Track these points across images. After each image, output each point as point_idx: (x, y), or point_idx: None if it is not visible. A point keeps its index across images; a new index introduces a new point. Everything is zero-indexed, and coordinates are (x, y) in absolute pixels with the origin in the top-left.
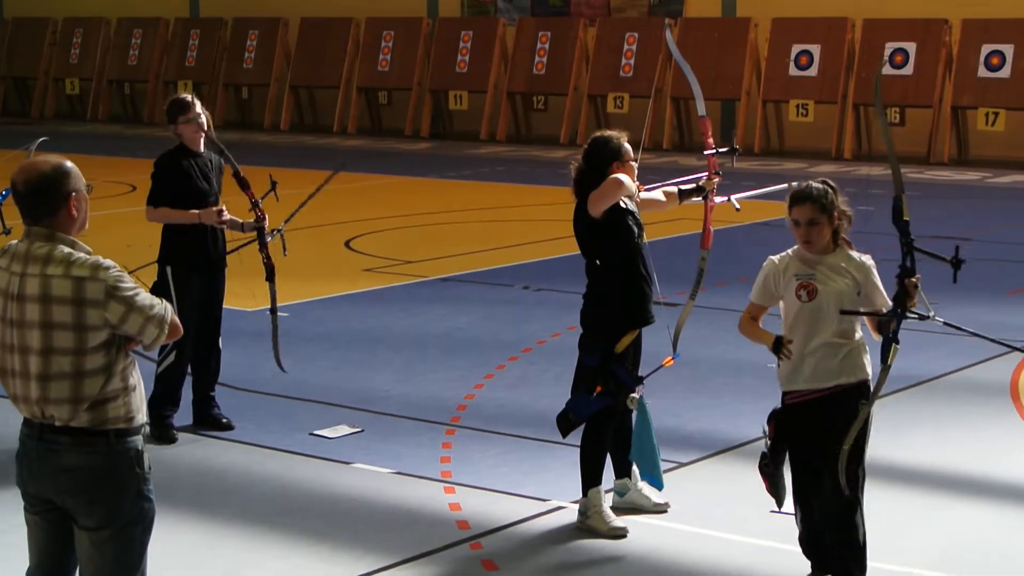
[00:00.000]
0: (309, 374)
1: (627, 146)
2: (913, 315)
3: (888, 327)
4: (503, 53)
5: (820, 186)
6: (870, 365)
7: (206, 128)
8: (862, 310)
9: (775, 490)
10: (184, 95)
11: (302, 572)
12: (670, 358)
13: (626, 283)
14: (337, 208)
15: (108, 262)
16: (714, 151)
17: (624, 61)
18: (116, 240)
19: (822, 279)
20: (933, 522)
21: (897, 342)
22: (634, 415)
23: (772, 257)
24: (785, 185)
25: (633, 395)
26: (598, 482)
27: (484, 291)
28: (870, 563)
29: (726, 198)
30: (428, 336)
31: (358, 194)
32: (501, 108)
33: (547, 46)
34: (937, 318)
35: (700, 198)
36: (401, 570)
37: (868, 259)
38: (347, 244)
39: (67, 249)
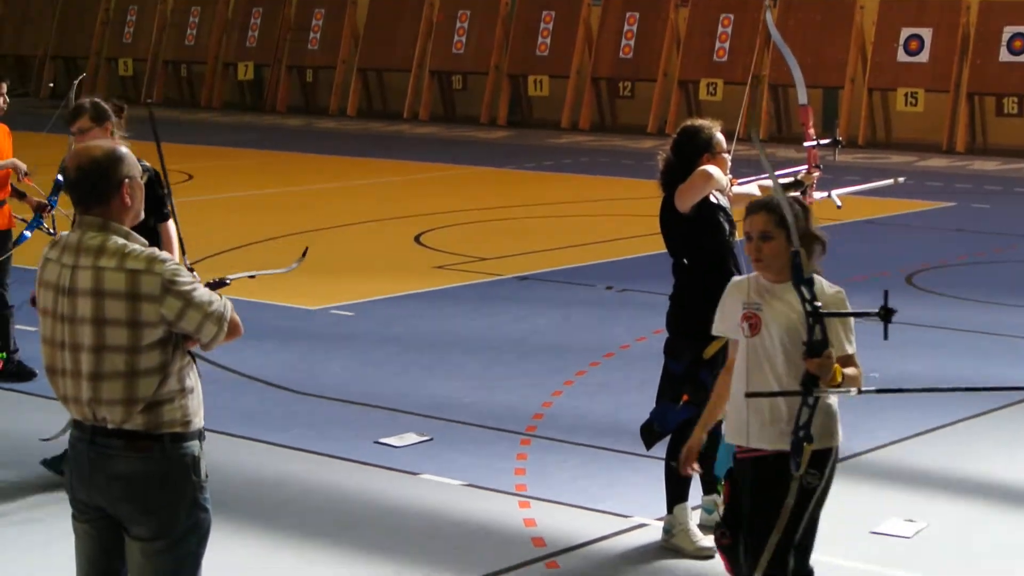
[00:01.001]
0: (374, 378)
1: (719, 136)
2: (834, 392)
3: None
4: (587, 35)
5: (785, 198)
6: (839, 434)
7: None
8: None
9: (735, 569)
10: (82, 100)
11: None
12: None
13: (716, 283)
14: (406, 200)
15: (165, 254)
16: (815, 143)
17: (718, 45)
18: None
19: (769, 310)
20: None
21: (809, 440)
22: (723, 426)
23: (736, 278)
24: (891, 180)
25: None
26: (684, 498)
27: (564, 291)
28: None
29: (826, 194)
30: (503, 339)
31: (429, 185)
32: (585, 94)
33: (635, 28)
34: (866, 389)
35: (799, 193)
36: None
37: (838, 292)
38: (417, 239)
39: (121, 240)
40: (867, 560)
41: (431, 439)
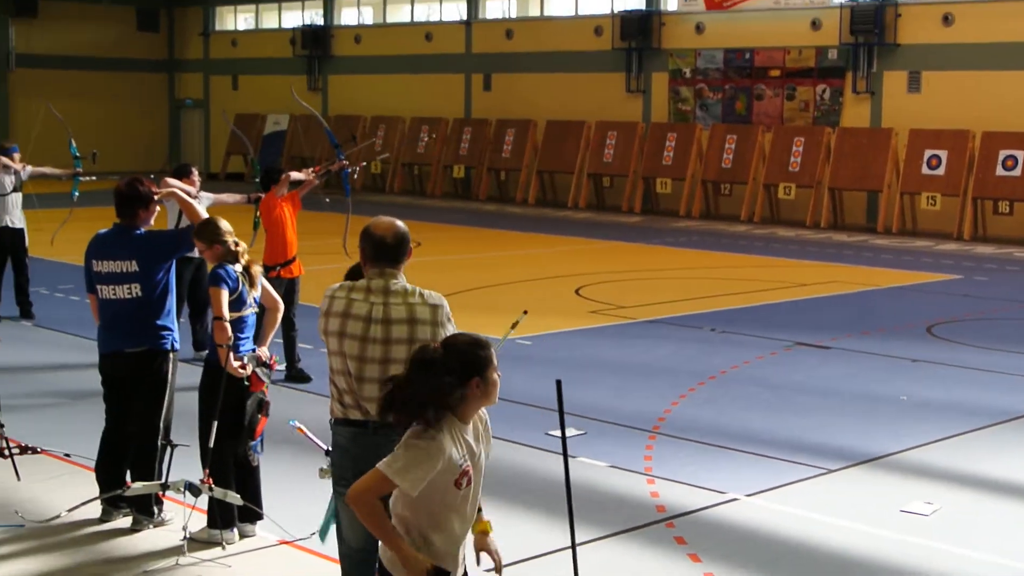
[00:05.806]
0: (545, 388)
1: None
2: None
3: None
4: (699, 150)
5: None
6: None
7: None
8: None
9: None
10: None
11: (534, 534)
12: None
13: None
14: (570, 264)
15: (438, 294)
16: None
17: (792, 159)
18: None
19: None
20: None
21: None
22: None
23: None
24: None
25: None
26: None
27: (680, 331)
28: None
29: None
30: (636, 363)
31: (586, 254)
32: (696, 192)
33: (733, 146)
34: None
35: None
36: (612, 541)
37: None
38: (577, 291)
39: (411, 286)
40: (895, 531)
41: (585, 432)
